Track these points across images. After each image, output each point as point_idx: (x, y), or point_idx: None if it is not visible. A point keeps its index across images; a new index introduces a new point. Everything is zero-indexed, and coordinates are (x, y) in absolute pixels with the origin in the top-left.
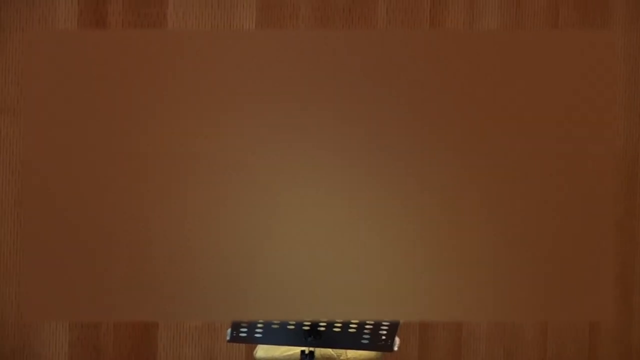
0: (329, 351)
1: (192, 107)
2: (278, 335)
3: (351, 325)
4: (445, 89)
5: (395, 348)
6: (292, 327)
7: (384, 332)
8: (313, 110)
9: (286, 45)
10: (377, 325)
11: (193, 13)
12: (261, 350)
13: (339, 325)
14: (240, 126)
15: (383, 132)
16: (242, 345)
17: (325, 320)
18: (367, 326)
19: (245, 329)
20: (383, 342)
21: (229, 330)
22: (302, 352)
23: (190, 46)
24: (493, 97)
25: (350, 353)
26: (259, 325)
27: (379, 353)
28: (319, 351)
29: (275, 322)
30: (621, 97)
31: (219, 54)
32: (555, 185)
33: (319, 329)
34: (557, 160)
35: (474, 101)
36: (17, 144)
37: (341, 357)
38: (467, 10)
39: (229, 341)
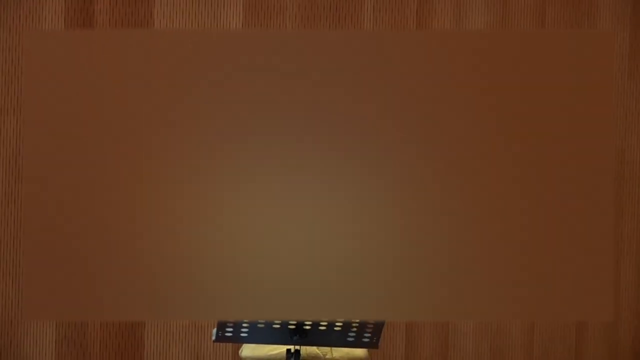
0: (315, 350)
1: (186, 107)
2: (264, 334)
3: (337, 324)
4: (443, 90)
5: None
6: (278, 326)
7: (370, 330)
8: (302, 109)
9: (273, 44)
10: (363, 324)
11: (180, 11)
12: (247, 349)
13: (325, 324)
14: (228, 125)
15: (372, 132)
16: (229, 344)
17: (311, 320)
18: (353, 324)
19: (231, 329)
20: (368, 340)
21: (214, 330)
22: (288, 350)
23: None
24: (488, 98)
25: (336, 352)
26: (245, 324)
27: (366, 351)
28: (304, 350)
29: (261, 321)
30: None
31: (206, 53)
32: (553, 185)
33: (304, 327)
34: (555, 159)
35: (470, 101)
36: (7, 141)
37: (327, 356)
38: (454, 9)
39: (215, 341)
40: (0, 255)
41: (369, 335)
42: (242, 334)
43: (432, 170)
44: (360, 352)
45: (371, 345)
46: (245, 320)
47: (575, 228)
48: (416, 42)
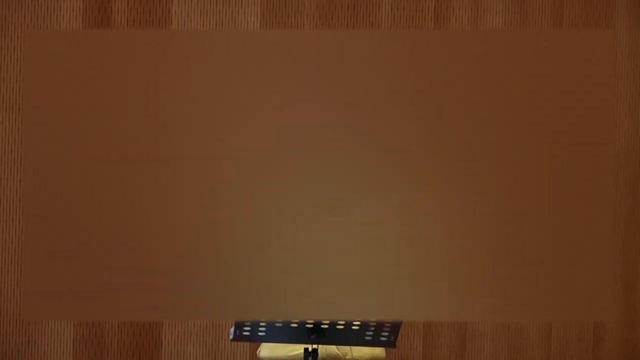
0: (335, 350)
1: (195, 107)
2: (281, 333)
3: (354, 323)
4: (449, 89)
5: None
6: (295, 325)
7: (387, 329)
8: (317, 109)
9: (290, 44)
10: (381, 323)
11: (197, 10)
12: (265, 349)
13: (342, 323)
14: (243, 125)
15: (385, 132)
16: (247, 344)
17: (328, 320)
18: (371, 323)
19: (248, 328)
20: (386, 339)
21: (232, 329)
22: (306, 349)
23: (195, 46)
24: (496, 97)
25: (356, 352)
26: (262, 323)
27: (383, 351)
28: (324, 350)
29: (279, 320)
30: (624, 95)
31: (223, 53)
32: (557, 185)
33: (322, 326)
34: (560, 160)
35: (477, 101)
36: (16, 139)
37: (347, 357)
38: (472, 9)
39: (232, 340)
40: (16, 255)
41: (387, 334)
42: (260, 333)
43: (446, 169)
44: (379, 351)
45: (389, 344)
46: (262, 320)
47: (577, 229)
48: (434, 42)
